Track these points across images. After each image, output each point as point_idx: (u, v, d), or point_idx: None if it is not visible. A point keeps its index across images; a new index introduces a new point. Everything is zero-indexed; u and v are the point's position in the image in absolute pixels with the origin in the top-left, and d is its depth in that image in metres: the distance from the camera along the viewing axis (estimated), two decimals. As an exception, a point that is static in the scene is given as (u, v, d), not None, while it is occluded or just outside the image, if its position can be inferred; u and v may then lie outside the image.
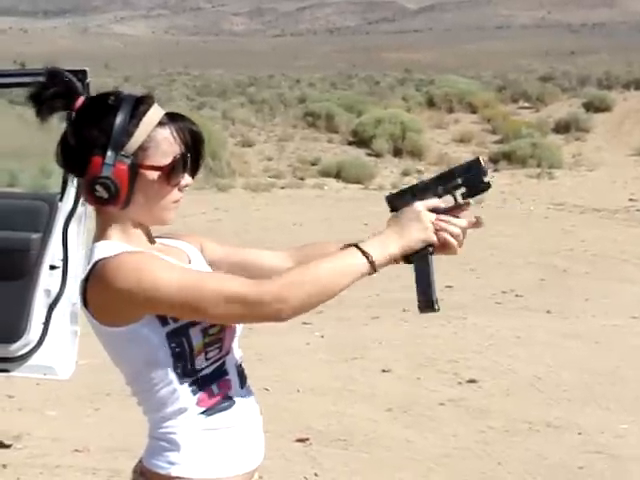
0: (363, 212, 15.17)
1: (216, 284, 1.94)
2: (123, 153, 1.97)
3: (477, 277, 10.34)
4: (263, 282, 1.94)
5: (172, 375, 1.99)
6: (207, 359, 2.01)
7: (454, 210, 2.04)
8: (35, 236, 4.34)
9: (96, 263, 1.98)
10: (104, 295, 1.95)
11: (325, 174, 20.67)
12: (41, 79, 2.01)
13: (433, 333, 7.83)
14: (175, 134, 2.00)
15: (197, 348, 1.99)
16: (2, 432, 5.41)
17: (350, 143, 24.98)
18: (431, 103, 30.61)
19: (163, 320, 1.97)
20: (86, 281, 1.99)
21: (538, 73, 51.68)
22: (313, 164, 22.10)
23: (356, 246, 1.98)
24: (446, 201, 2.05)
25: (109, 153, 1.96)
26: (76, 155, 1.99)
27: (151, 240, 2.09)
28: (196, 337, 1.99)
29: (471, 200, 2.06)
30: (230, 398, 2.05)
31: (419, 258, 2.04)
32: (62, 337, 4.39)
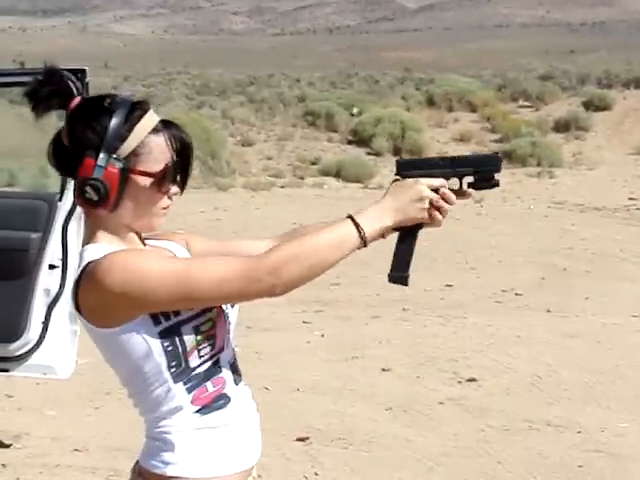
0: (363, 211, 15.17)
1: (207, 266, 1.94)
2: (115, 156, 1.96)
3: (477, 276, 10.34)
4: (255, 258, 1.94)
5: (166, 374, 1.99)
6: (200, 356, 2.01)
7: (453, 193, 2.05)
8: (34, 235, 4.34)
9: (86, 266, 1.98)
10: (96, 296, 1.95)
11: (325, 173, 20.67)
12: (38, 77, 2.01)
13: (433, 332, 7.83)
14: (168, 142, 2.00)
15: (190, 346, 1.99)
16: (2, 432, 5.41)
17: (350, 142, 24.98)
18: (431, 102, 30.60)
19: (155, 319, 1.97)
20: (77, 285, 1.99)
21: (538, 72, 51.65)
22: (313, 163, 22.10)
23: (351, 218, 1.97)
24: (451, 183, 2.06)
25: (101, 155, 1.96)
26: (68, 155, 1.99)
27: (142, 243, 2.09)
28: (188, 335, 1.98)
29: (474, 191, 2.07)
30: (225, 396, 2.05)
31: (407, 232, 2.05)
32: (62, 336, 4.39)
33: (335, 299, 8.36)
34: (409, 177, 2.04)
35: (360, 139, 24.74)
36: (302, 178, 20.21)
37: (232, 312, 2.10)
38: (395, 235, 2.07)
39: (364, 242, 1.96)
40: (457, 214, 11.90)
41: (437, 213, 2.01)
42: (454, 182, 2.06)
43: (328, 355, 7.19)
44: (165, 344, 1.98)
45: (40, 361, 4.38)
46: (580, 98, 30.49)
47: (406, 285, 2.08)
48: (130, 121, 1.98)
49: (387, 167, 22.42)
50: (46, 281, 4.32)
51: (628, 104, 29.28)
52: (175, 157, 2.01)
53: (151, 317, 1.96)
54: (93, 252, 1.99)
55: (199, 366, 2.01)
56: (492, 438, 5.53)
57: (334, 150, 23.99)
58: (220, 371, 2.05)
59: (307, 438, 5.48)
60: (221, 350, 2.06)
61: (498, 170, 2.06)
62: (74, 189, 2.01)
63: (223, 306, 2.05)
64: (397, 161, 2.10)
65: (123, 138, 1.97)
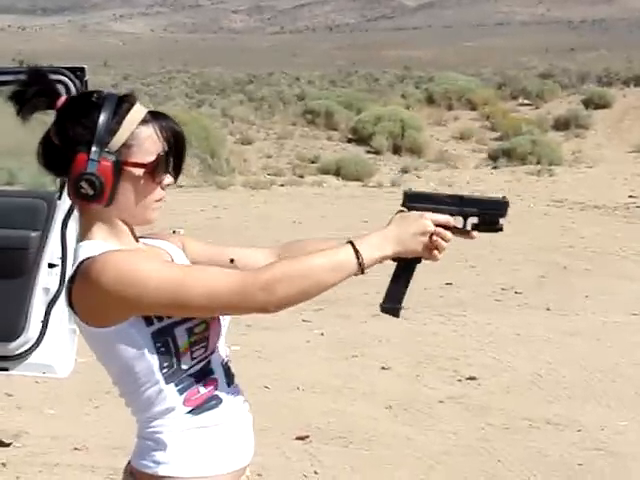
0: (362, 209, 15.17)
1: (203, 276, 1.93)
2: (107, 150, 1.97)
3: (477, 274, 10.33)
4: (251, 273, 1.94)
5: (158, 375, 1.98)
6: (193, 358, 2.00)
7: (456, 231, 2.06)
8: (34, 234, 4.33)
9: (81, 263, 1.97)
10: (90, 295, 1.94)
11: (324, 172, 20.65)
12: (23, 78, 2.01)
13: (433, 330, 7.83)
14: (159, 132, 2.01)
15: (183, 347, 1.98)
16: (1, 430, 5.41)
17: (349, 140, 24.96)
18: (431, 100, 30.59)
19: (148, 320, 1.96)
20: (71, 281, 1.98)
21: (538, 70, 51.66)
22: (312, 162, 22.08)
23: (352, 244, 1.97)
24: (455, 220, 2.08)
25: (93, 149, 1.96)
26: (60, 153, 1.99)
27: (135, 239, 2.08)
28: (181, 336, 1.98)
29: (476, 234, 2.08)
30: (217, 397, 2.05)
31: (405, 265, 2.08)
32: (61, 335, 4.39)
33: (335, 297, 8.36)
34: (414, 209, 2.05)
35: (360, 137, 24.72)
36: (302, 176, 20.19)
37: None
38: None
39: (362, 269, 1.97)
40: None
41: (436, 253, 2.04)
42: (458, 220, 2.08)
43: (328, 354, 7.19)
44: (158, 345, 1.97)
45: (39, 360, 4.37)
46: (580, 96, 30.48)
47: (397, 317, 2.10)
48: (119, 114, 1.98)
49: (387, 165, 22.43)
50: (45, 280, 4.32)
51: (628, 102, 29.26)
52: (166, 147, 2.01)
53: (144, 318, 1.96)
54: (88, 249, 1.99)
55: (191, 367, 2.01)
56: (492, 436, 5.53)
57: (334, 148, 23.98)
58: (212, 373, 2.05)
59: (307, 437, 5.47)
60: (213, 352, 2.05)
61: (504, 215, 2.08)
62: (68, 187, 2.01)
63: None
64: (405, 192, 2.11)
65: (113, 131, 1.97)
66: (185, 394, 2.00)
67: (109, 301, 1.92)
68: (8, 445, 5.27)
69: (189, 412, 2.01)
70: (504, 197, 2.11)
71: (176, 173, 2.06)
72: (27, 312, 4.31)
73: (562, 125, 27.31)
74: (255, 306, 1.92)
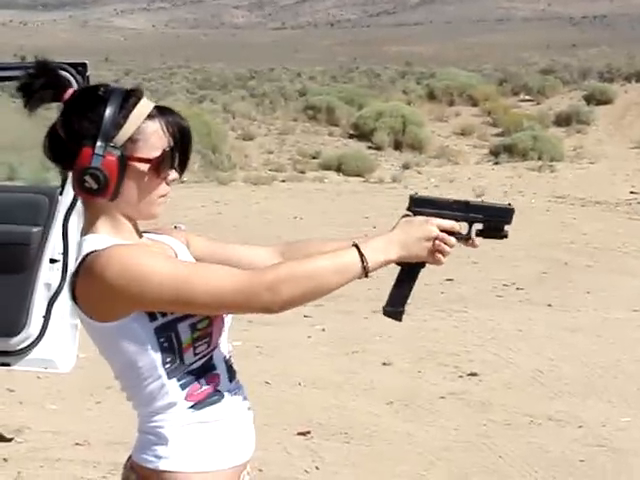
0: (364, 205, 15.17)
1: (208, 274, 1.94)
2: (112, 144, 1.96)
3: (478, 270, 10.33)
4: (256, 273, 1.94)
5: (161, 370, 1.98)
6: (195, 354, 2.00)
7: (460, 237, 2.07)
8: (35, 230, 4.33)
9: (85, 257, 1.97)
10: (94, 289, 1.94)
11: (326, 167, 20.63)
12: (30, 70, 2.01)
13: (434, 326, 7.83)
14: (165, 128, 2.00)
15: (186, 343, 1.98)
16: (3, 426, 5.41)
17: (351, 136, 24.94)
18: (432, 96, 30.54)
19: (151, 315, 1.96)
20: (75, 275, 1.98)
21: (539, 66, 51.56)
22: (314, 157, 22.05)
23: (357, 247, 1.98)
24: (461, 227, 2.08)
25: (99, 144, 1.95)
26: (65, 146, 1.98)
27: (139, 234, 2.08)
28: (185, 332, 1.98)
29: (480, 240, 2.10)
30: (219, 392, 2.04)
31: (409, 269, 2.09)
32: (62, 330, 4.39)
33: (336, 294, 8.32)
34: (420, 214, 2.06)
35: (361, 133, 24.69)
36: (303, 172, 20.18)
37: None
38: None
39: (366, 272, 1.98)
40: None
41: (440, 257, 2.05)
42: (463, 226, 2.08)
43: (329, 349, 7.19)
44: (161, 340, 1.97)
45: (41, 355, 4.37)
46: (581, 92, 30.43)
47: (400, 321, 2.12)
48: (125, 108, 1.97)
49: (388, 161, 22.41)
50: (47, 275, 4.32)
51: (629, 98, 29.22)
52: (172, 142, 2.00)
53: (147, 313, 1.96)
54: (92, 243, 1.98)
55: (194, 363, 2.01)
56: (493, 432, 5.53)
57: (335, 144, 23.95)
58: (214, 368, 2.05)
59: (308, 432, 5.48)
60: (216, 348, 2.05)
61: (509, 222, 2.09)
62: (72, 180, 2.00)
63: None
64: (410, 197, 2.12)
65: (119, 126, 1.96)
66: (187, 389, 2.00)
67: (113, 295, 1.91)
68: (10, 440, 5.27)
69: (191, 407, 2.01)
70: (510, 204, 2.11)
71: (181, 169, 2.06)
72: (29, 307, 4.31)
73: (563, 121, 27.27)
74: (259, 306, 1.92)
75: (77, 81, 3.95)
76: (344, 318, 8.15)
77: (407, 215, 2.08)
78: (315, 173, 20.10)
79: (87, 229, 2.03)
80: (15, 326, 4.31)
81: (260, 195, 16.62)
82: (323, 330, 7.75)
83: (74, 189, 2.02)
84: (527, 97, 31.47)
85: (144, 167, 1.99)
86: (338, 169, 20.39)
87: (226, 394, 2.06)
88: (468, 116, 28.45)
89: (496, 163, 22.14)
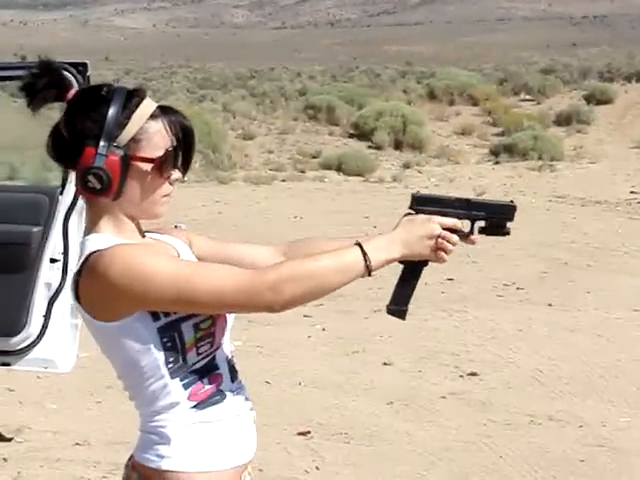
0: (364, 205, 15.17)
1: (210, 274, 1.94)
2: (115, 144, 1.96)
3: (478, 270, 10.33)
4: (258, 272, 1.94)
5: (164, 370, 1.98)
6: (199, 354, 2.00)
7: (463, 235, 2.08)
8: (36, 229, 4.33)
9: (88, 256, 1.96)
10: (97, 289, 1.94)
11: (326, 167, 20.62)
12: (34, 70, 2.01)
13: (434, 326, 7.83)
14: (167, 127, 2.00)
15: (189, 343, 1.98)
16: (3, 425, 5.41)
17: (351, 136, 24.93)
18: (432, 96, 30.54)
19: (154, 315, 1.96)
20: (78, 275, 1.98)
21: (539, 65, 51.60)
22: (314, 157, 22.05)
23: (360, 246, 1.97)
24: (463, 224, 2.08)
25: (102, 144, 1.95)
26: (68, 146, 1.98)
27: (142, 234, 2.08)
28: (188, 332, 1.98)
29: (480, 237, 2.10)
30: (221, 392, 2.04)
31: (412, 267, 2.09)
32: (63, 330, 4.39)
33: (336, 293, 8.32)
34: (422, 212, 2.07)
35: (361, 133, 24.68)
36: (303, 172, 20.17)
37: None
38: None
39: (369, 271, 1.98)
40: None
41: (444, 255, 2.05)
42: (465, 224, 2.09)
43: (329, 349, 7.19)
44: (164, 340, 1.97)
45: (41, 355, 4.37)
46: (582, 92, 30.44)
47: (403, 319, 2.12)
48: (128, 108, 1.97)
49: (388, 161, 22.40)
50: (47, 275, 4.32)
51: (630, 97, 29.23)
52: (175, 142, 2.00)
53: (150, 313, 1.96)
54: (95, 242, 1.98)
55: (197, 363, 2.01)
56: (493, 432, 5.53)
57: (335, 144, 23.95)
58: (217, 368, 2.05)
59: (308, 432, 5.47)
60: (218, 348, 2.05)
61: (511, 219, 2.09)
62: (76, 179, 2.00)
63: None
64: (413, 195, 2.12)
65: (122, 125, 1.96)
66: (190, 389, 2.00)
67: (116, 295, 1.91)
68: (10, 440, 5.27)
69: (193, 407, 2.01)
70: (512, 201, 2.12)
71: (184, 168, 2.06)
72: (29, 307, 4.31)
73: (564, 121, 27.27)
74: (262, 305, 1.92)
75: (78, 81, 3.95)
76: (344, 318, 8.15)
77: (409, 214, 2.07)
78: (315, 173, 20.09)
79: (90, 229, 2.03)
80: (15, 326, 4.31)
81: (260, 195, 16.62)
82: (323, 330, 7.75)
83: (77, 189, 2.02)
84: (527, 97, 31.47)
85: (147, 167, 1.99)
86: (338, 169, 20.38)
87: (228, 394, 2.05)
88: (468, 116, 28.45)
89: (496, 163, 22.13)
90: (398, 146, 23.94)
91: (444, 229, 2.03)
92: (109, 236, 1.99)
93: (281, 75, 52.19)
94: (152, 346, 1.96)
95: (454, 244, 2.05)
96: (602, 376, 6.55)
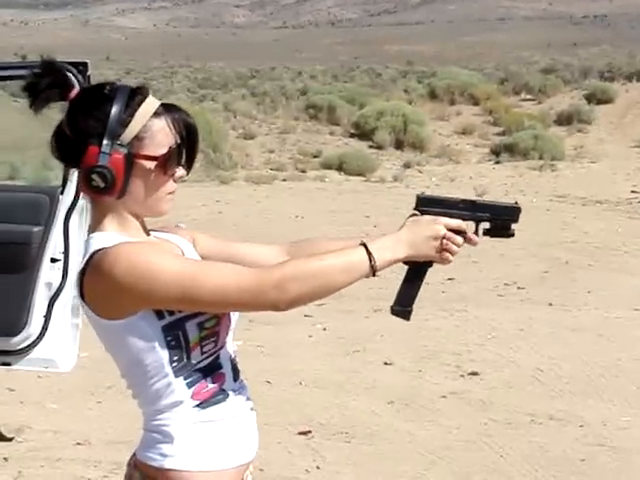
0: (365, 204, 15.17)
1: (215, 272, 1.94)
2: (119, 143, 1.96)
3: (479, 269, 10.33)
4: (263, 271, 1.94)
5: (167, 368, 1.98)
6: (203, 353, 2.00)
7: (467, 236, 2.08)
8: (36, 229, 4.34)
9: (93, 254, 1.96)
10: (102, 287, 1.94)
11: (327, 166, 20.63)
12: (36, 70, 2.01)
13: (435, 326, 7.83)
14: (171, 125, 2.00)
15: (193, 342, 1.98)
16: (3, 425, 5.41)
17: (352, 135, 24.94)
18: (433, 95, 30.55)
19: (159, 313, 1.96)
20: (83, 273, 1.98)
21: (540, 65, 51.60)
22: (315, 156, 22.05)
23: (365, 246, 1.98)
24: (468, 226, 2.09)
25: (105, 142, 1.95)
26: (72, 145, 1.98)
27: (146, 232, 2.08)
28: (192, 331, 1.98)
29: (481, 239, 2.11)
30: (224, 391, 2.05)
31: (416, 268, 2.10)
32: (63, 330, 4.39)
33: (337, 293, 8.33)
34: (426, 213, 2.07)
35: (362, 132, 24.69)
36: (304, 171, 20.18)
37: None
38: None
39: (374, 271, 1.98)
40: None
41: (449, 255, 2.06)
42: (470, 225, 2.09)
43: (330, 349, 7.19)
44: (168, 339, 1.97)
45: (42, 354, 4.38)
46: (582, 91, 30.43)
47: (408, 320, 2.14)
48: (131, 106, 1.98)
49: (389, 160, 22.41)
50: (48, 275, 4.32)
51: (630, 97, 29.22)
52: (179, 139, 2.01)
53: (155, 311, 1.96)
54: (100, 240, 1.98)
55: (200, 362, 2.01)
56: (494, 432, 5.53)
57: (336, 143, 23.95)
58: (220, 367, 2.05)
59: (309, 432, 5.48)
60: (222, 347, 2.05)
61: (516, 221, 2.10)
62: (79, 178, 2.01)
63: None
64: (417, 196, 2.13)
65: (125, 124, 1.97)
66: (193, 388, 2.01)
67: (121, 293, 1.91)
68: (10, 440, 5.27)
69: (196, 406, 2.01)
70: (516, 203, 2.12)
71: (188, 166, 2.06)
72: (29, 307, 4.31)
73: (564, 120, 27.27)
74: (266, 304, 1.93)
75: (78, 81, 3.96)
76: (345, 317, 8.15)
77: (414, 214, 2.08)
78: (316, 172, 20.10)
79: (94, 227, 2.03)
80: (16, 325, 4.31)
81: (261, 194, 16.62)
82: (324, 329, 7.75)
83: (82, 187, 2.02)
84: (528, 96, 31.47)
85: (151, 164, 1.99)
86: (339, 168, 20.39)
87: (231, 393, 2.06)
88: (469, 115, 28.45)
89: (497, 162, 22.13)
90: (399, 146, 23.95)
91: (449, 230, 2.04)
92: (114, 234, 1.99)
93: (282, 75, 52.21)
94: (156, 344, 1.96)
95: (459, 245, 2.05)
96: (602, 375, 6.55)
